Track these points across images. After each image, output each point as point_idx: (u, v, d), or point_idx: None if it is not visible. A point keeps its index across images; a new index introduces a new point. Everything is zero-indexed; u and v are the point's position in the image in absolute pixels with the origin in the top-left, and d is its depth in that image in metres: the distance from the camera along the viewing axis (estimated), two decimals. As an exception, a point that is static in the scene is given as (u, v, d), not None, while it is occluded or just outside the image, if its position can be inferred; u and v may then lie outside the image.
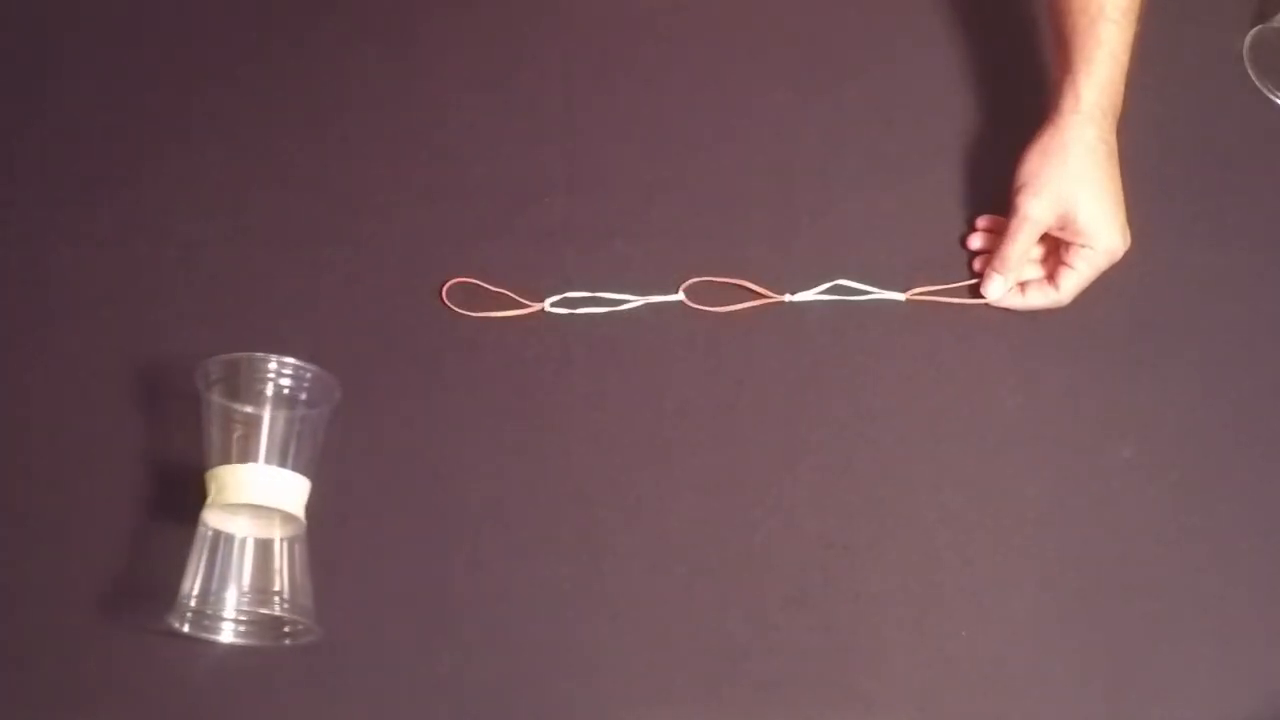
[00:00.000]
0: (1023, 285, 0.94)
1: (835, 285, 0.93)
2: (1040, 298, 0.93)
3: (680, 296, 0.93)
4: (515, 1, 1.03)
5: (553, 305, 0.92)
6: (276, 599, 0.78)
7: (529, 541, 0.86)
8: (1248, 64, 1.04)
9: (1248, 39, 1.05)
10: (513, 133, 0.98)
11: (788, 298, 0.93)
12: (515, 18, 1.02)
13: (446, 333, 0.91)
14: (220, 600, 0.77)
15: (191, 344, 0.88)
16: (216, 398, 0.80)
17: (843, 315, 0.93)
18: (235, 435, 0.79)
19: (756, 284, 0.93)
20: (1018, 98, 0.99)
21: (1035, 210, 0.90)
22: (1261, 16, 1.06)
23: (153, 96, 0.98)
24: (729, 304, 0.93)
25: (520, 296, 0.92)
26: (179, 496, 0.82)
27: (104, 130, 0.96)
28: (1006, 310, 0.94)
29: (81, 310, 0.90)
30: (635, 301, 0.92)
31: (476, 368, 0.90)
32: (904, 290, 0.94)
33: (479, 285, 0.92)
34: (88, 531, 0.84)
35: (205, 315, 0.90)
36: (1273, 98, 1.04)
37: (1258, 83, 1.04)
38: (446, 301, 0.92)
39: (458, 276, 0.92)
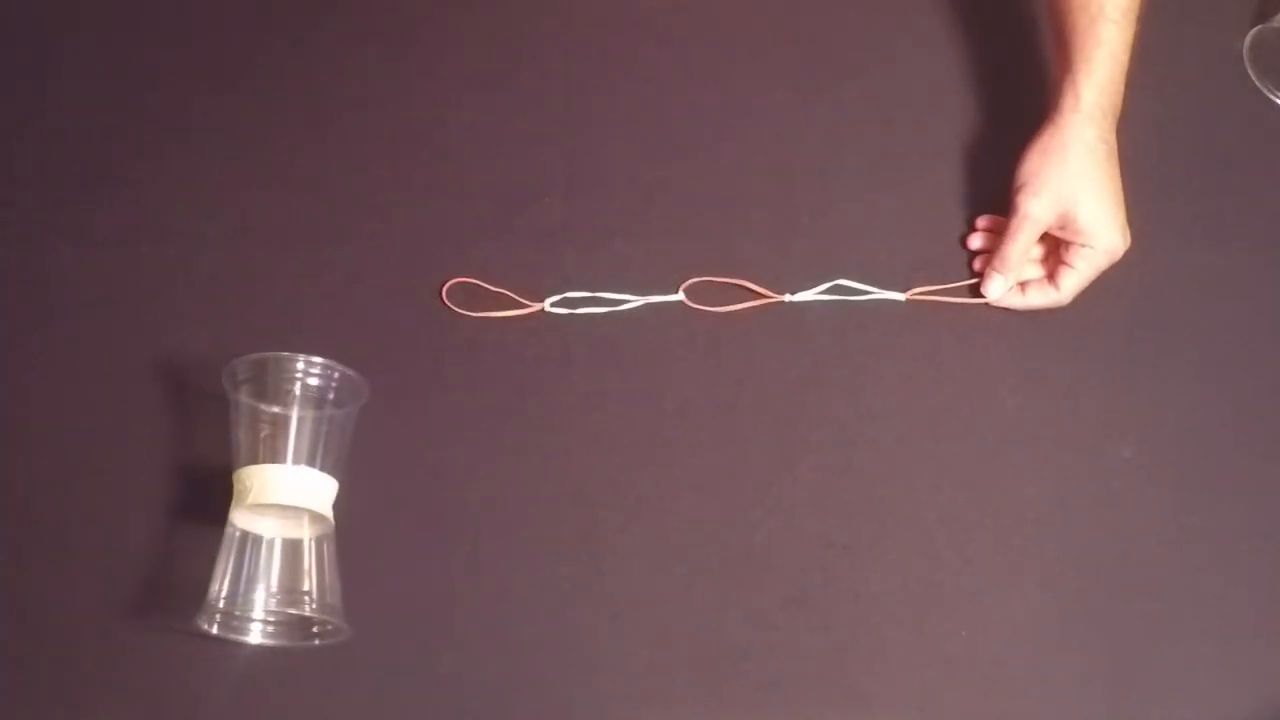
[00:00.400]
0: (1023, 285, 0.94)
1: (835, 285, 0.93)
2: (1040, 297, 0.93)
3: (680, 296, 0.93)
4: (515, 1, 1.03)
5: (553, 305, 0.92)
6: (306, 599, 0.78)
7: (529, 541, 0.86)
8: (1248, 64, 1.04)
9: (1248, 39, 1.04)
10: (513, 133, 0.98)
11: (788, 298, 0.93)
12: (515, 18, 1.02)
13: (446, 333, 0.91)
14: (249, 601, 0.78)
15: (191, 344, 0.89)
16: (244, 398, 0.80)
17: (843, 315, 0.93)
18: (263, 435, 0.79)
19: (756, 284, 0.93)
20: (1018, 98, 0.99)
21: (1035, 209, 0.90)
22: (1261, 16, 1.05)
23: (153, 96, 0.98)
24: (729, 304, 0.93)
25: (520, 296, 0.92)
26: (206, 497, 0.82)
27: (104, 130, 0.96)
28: (1006, 310, 0.94)
29: (82, 310, 0.90)
30: (635, 301, 0.92)
31: (476, 368, 0.90)
32: (904, 290, 0.94)
33: (479, 285, 0.92)
34: (115, 534, 0.84)
35: (205, 315, 0.90)
36: (1273, 98, 1.04)
37: (1258, 83, 1.04)
38: (446, 301, 0.92)
39: (458, 276, 0.92)
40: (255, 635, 0.79)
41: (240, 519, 0.78)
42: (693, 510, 0.87)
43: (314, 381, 0.81)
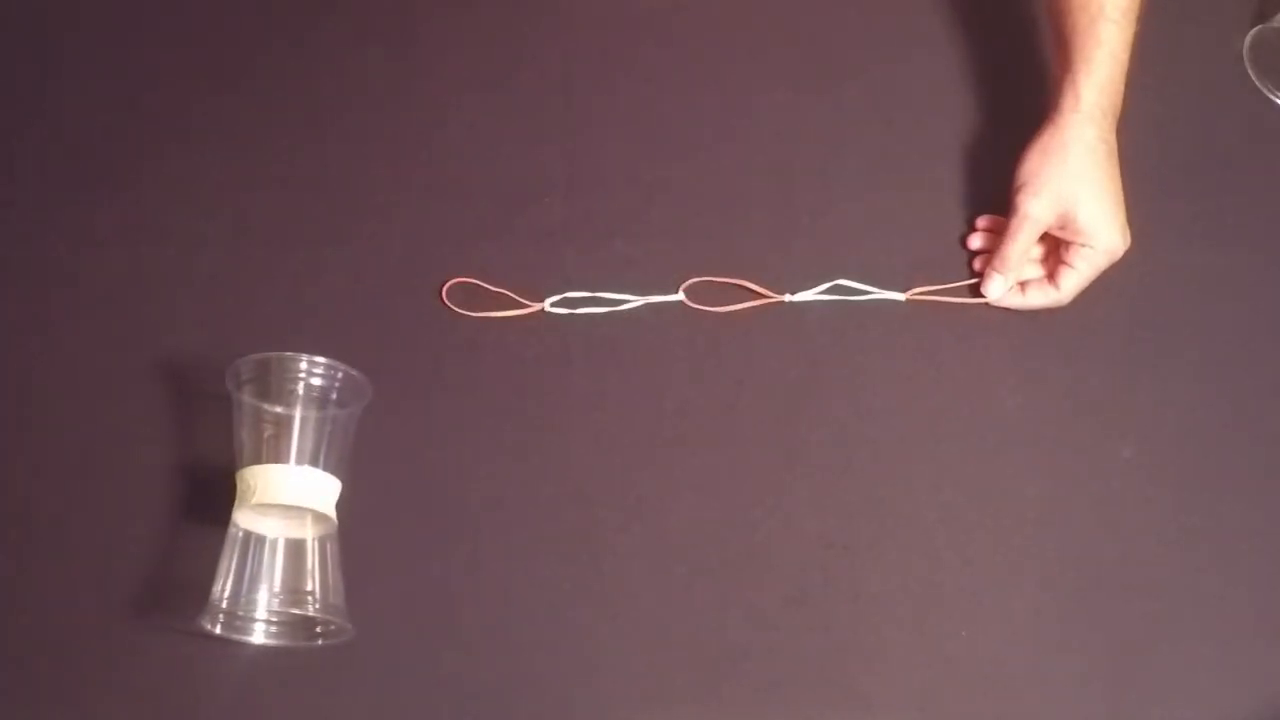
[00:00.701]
0: (1023, 285, 0.94)
1: (835, 285, 0.93)
2: (1040, 297, 0.93)
3: (680, 296, 0.93)
4: (515, 1, 1.03)
5: (553, 305, 0.92)
6: (309, 599, 0.78)
7: (529, 541, 0.86)
8: (1248, 64, 1.04)
9: (1248, 39, 1.04)
10: (513, 133, 0.98)
11: (788, 298, 0.93)
12: (515, 18, 1.02)
13: (446, 333, 0.91)
14: (252, 601, 0.78)
15: (192, 344, 0.89)
16: (247, 398, 0.80)
17: (843, 315, 0.93)
18: (266, 435, 0.79)
19: (756, 284, 0.93)
20: (1018, 98, 0.99)
21: (1035, 209, 0.90)
22: (1261, 16, 1.06)
23: (153, 96, 0.98)
24: (729, 304, 0.93)
25: (520, 296, 0.92)
26: (208, 498, 0.82)
27: (104, 130, 0.96)
28: (1006, 310, 0.94)
29: (82, 310, 0.90)
30: (635, 301, 0.92)
31: (476, 368, 0.90)
32: (904, 290, 0.94)
33: (479, 285, 0.92)
34: (117, 534, 0.84)
35: (205, 315, 0.90)
36: (1273, 98, 1.04)
37: (1258, 83, 1.04)
38: (446, 301, 0.92)
39: (458, 276, 0.92)
40: (258, 635, 0.80)
41: (243, 519, 0.78)
42: (693, 510, 0.87)
43: (317, 381, 0.81)
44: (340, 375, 0.81)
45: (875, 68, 1.02)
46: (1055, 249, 0.93)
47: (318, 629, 0.80)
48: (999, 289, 0.93)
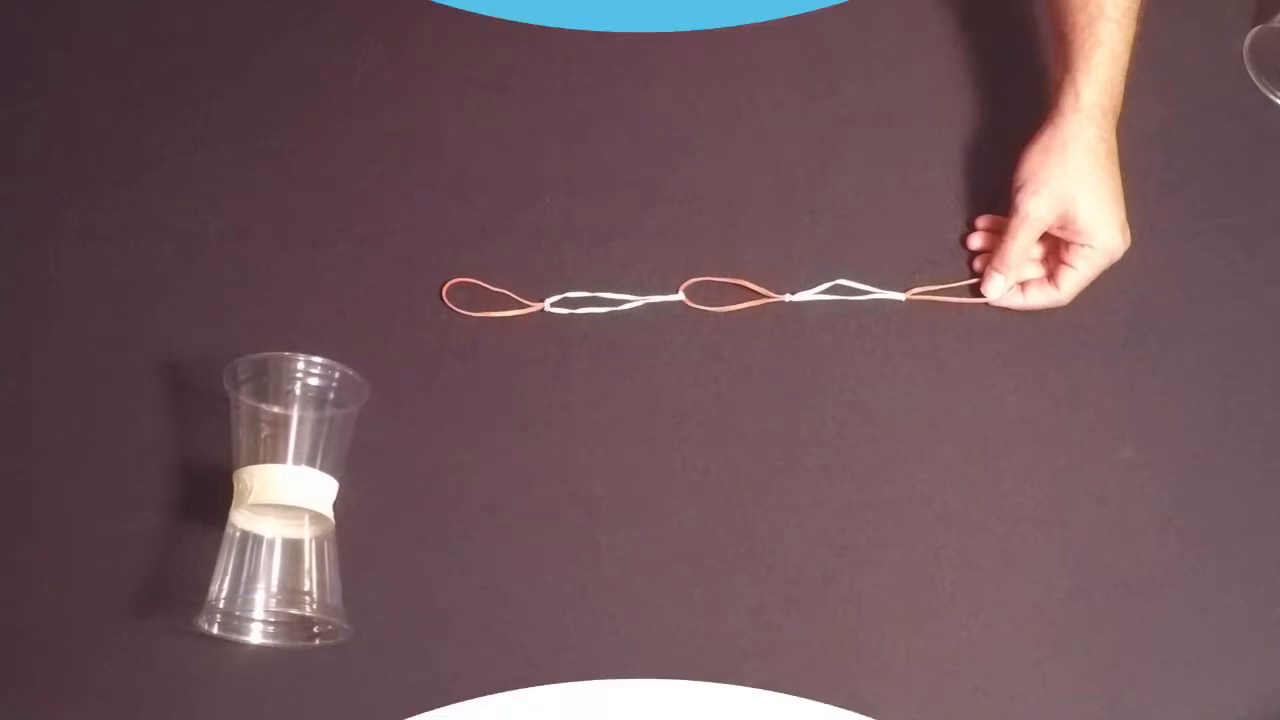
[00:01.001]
0: (1023, 285, 0.94)
1: (835, 285, 0.93)
2: (1040, 297, 0.93)
3: (680, 296, 0.93)
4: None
5: (553, 305, 0.92)
6: (306, 599, 0.78)
7: (528, 542, 0.86)
8: (1248, 64, 1.04)
9: (1248, 39, 1.04)
10: (513, 133, 0.98)
11: (788, 297, 0.93)
12: (515, 17, 1.02)
13: (446, 333, 0.91)
14: (249, 601, 0.77)
15: (191, 344, 0.89)
16: (245, 398, 0.80)
17: (843, 315, 0.93)
18: (263, 435, 0.79)
19: (756, 284, 0.93)
20: (1018, 98, 0.99)
21: (1035, 209, 0.90)
22: (1261, 16, 1.05)
23: (153, 96, 0.98)
24: (729, 304, 0.93)
25: (520, 296, 0.92)
26: (206, 497, 0.82)
27: (104, 130, 0.96)
28: (1006, 310, 0.94)
29: (82, 310, 0.90)
30: (635, 301, 0.92)
31: (476, 368, 0.90)
32: (904, 290, 0.94)
33: (479, 285, 0.92)
34: (115, 533, 0.84)
35: (205, 315, 0.90)
36: (1273, 98, 1.03)
37: (1257, 83, 1.04)
38: (446, 301, 0.92)
39: (458, 276, 0.92)
40: (255, 635, 0.79)
41: (240, 519, 0.78)
42: (693, 510, 0.87)
43: (315, 382, 0.81)
44: (338, 375, 0.81)
45: (875, 68, 1.02)
46: (1055, 249, 0.93)
47: (315, 629, 0.80)
48: (999, 289, 0.93)
